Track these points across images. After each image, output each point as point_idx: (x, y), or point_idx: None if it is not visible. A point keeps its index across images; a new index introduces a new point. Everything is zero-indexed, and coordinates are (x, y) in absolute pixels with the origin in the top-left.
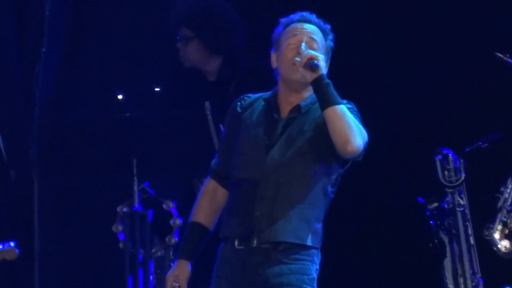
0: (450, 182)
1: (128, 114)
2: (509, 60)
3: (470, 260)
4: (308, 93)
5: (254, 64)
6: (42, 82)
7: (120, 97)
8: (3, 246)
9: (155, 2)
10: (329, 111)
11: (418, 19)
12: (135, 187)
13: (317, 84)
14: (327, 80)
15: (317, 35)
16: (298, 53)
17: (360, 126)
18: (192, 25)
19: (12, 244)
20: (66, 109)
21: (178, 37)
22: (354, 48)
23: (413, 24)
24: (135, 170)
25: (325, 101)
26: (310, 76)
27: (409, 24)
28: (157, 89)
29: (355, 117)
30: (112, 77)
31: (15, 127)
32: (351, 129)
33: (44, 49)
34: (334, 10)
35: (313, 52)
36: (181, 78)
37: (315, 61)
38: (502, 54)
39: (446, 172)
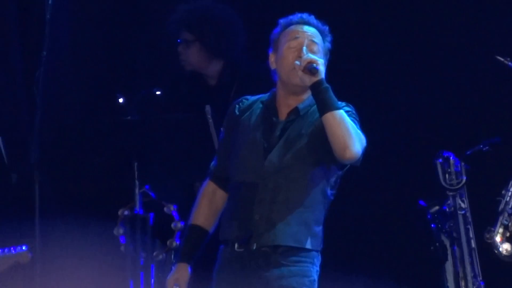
0: (451, 185)
1: (129, 118)
2: (509, 63)
3: (471, 263)
4: (307, 95)
5: (255, 67)
6: (43, 85)
7: (121, 100)
8: (15, 250)
9: (156, 6)
10: (328, 116)
11: (421, 21)
12: (137, 190)
13: (316, 88)
14: (326, 85)
15: (317, 37)
16: (299, 56)
17: (359, 131)
18: (193, 28)
19: (24, 247)
20: (67, 113)
21: (179, 41)
22: (356, 49)
23: (416, 26)
24: (136, 173)
25: (323, 106)
26: (309, 80)
27: (411, 26)
28: (158, 93)
29: (353, 121)
30: (114, 81)
31: (16, 130)
32: (349, 135)
33: (44, 53)
34: (335, 10)
35: (313, 56)
36: (182, 81)
37: (315, 65)
38: (503, 57)
39: (447, 175)
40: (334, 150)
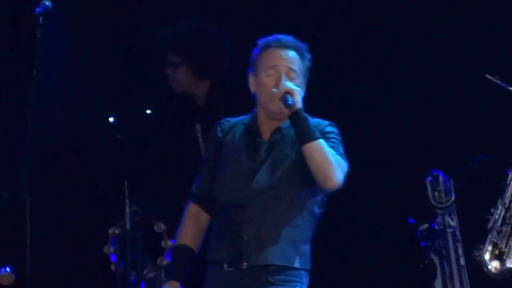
0: (441, 203)
1: (119, 137)
2: (498, 82)
3: (461, 281)
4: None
5: (243, 87)
6: (33, 104)
7: (111, 119)
8: None
9: (146, 26)
10: (307, 147)
11: (409, 38)
12: (127, 209)
13: (293, 119)
14: (303, 115)
15: (296, 62)
16: (277, 85)
17: (339, 158)
18: (179, 50)
19: (7, 269)
20: (58, 132)
21: (166, 63)
22: (344, 66)
23: (403, 44)
24: (126, 192)
25: (302, 137)
26: (286, 110)
27: (399, 43)
28: (148, 112)
29: (335, 143)
30: (104, 100)
31: (7, 149)
32: (329, 165)
33: (35, 72)
34: (321, 29)
35: (290, 86)
36: (172, 101)
37: (290, 99)
38: (491, 76)
39: (436, 193)
40: (315, 179)
